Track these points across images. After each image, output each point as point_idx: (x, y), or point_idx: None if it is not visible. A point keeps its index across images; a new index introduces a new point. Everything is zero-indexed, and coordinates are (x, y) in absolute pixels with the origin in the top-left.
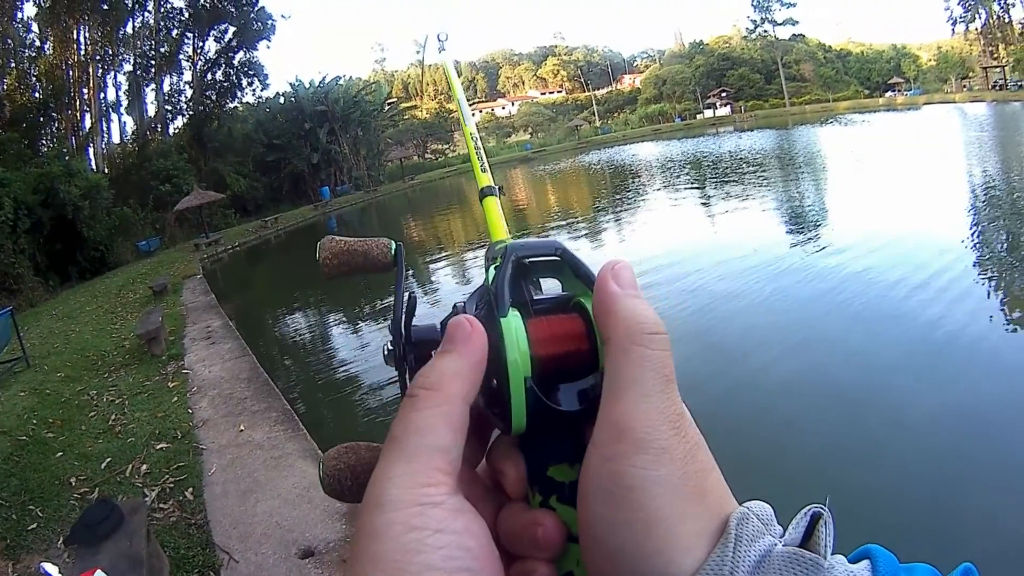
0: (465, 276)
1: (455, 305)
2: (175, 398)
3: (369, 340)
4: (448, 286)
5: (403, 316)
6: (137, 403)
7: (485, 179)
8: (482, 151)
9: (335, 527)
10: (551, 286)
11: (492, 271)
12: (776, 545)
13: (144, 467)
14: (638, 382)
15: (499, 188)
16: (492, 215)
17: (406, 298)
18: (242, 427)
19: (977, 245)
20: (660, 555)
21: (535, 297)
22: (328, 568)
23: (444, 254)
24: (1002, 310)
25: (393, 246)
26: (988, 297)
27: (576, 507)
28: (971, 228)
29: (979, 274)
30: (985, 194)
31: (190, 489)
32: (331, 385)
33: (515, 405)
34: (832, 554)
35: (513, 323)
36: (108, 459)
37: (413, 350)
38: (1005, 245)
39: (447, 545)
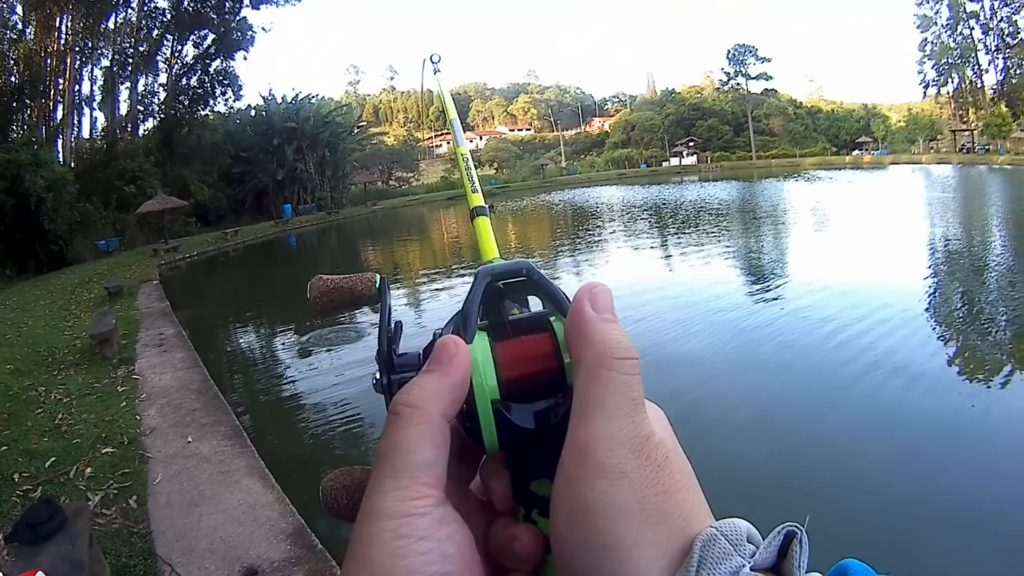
0: (419, 304)
1: (435, 332)
2: (123, 403)
3: (318, 360)
4: (404, 315)
5: (387, 345)
6: (85, 404)
7: (476, 199)
8: (473, 171)
9: (280, 547)
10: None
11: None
12: (744, 567)
13: (88, 470)
14: (603, 405)
15: (490, 207)
16: (483, 234)
17: (393, 327)
18: (190, 439)
19: (930, 300)
20: None
21: (512, 317)
22: None
23: (400, 281)
24: (946, 359)
25: (377, 279)
26: (931, 345)
27: None
28: (926, 284)
29: (928, 327)
30: (939, 252)
31: (134, 497)
32: (279, 403)
33: (484, 425)
34: (808, 572)
35: (479, 348)
36: (53, 458)
37: (396, 377)
38: (959, 302)
39: (430, 551)
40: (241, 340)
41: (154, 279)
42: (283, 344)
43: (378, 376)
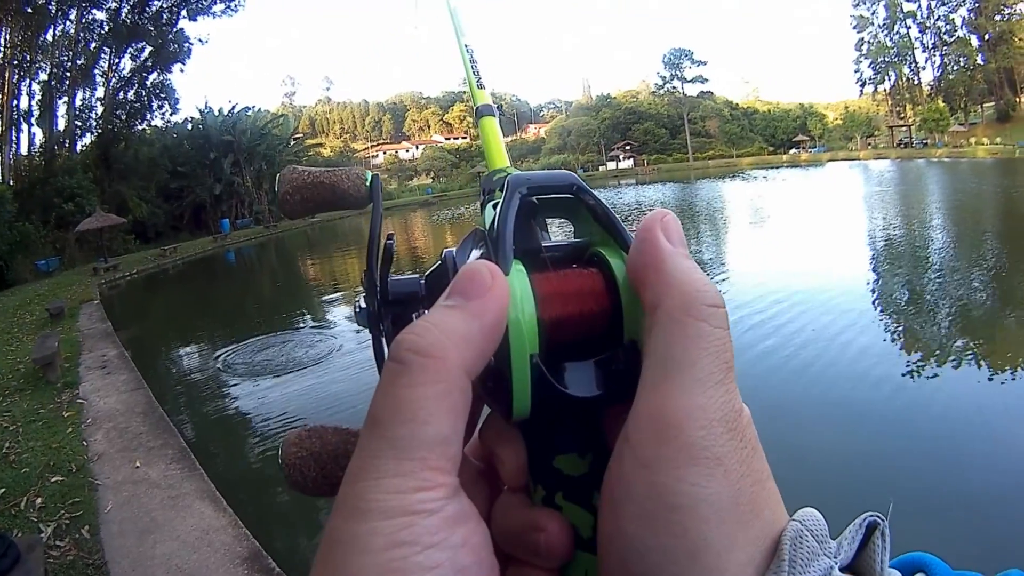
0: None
1: (443, 254)
2: (70, 429)
3: (260, 375)
4: (345, 327)
5: (379, 263)
6: (32, 431)
7: (482, 96)
8: (478, 66)
9: (237, 572)
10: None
11: (490, 209)
12: (833, 569)
13: (39, 500)
14: (693, 367)
15: (499, 107)
16: (490, 138)
17: (385, 241)
18: (138, 463)
19: (875, 290)
20: None
21: (547, 244)
22: None
23: (341, 290)
24: (895, 347)
25: (368, 177)
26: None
27: (585, 506)
28: (870, 276)
29: (873, 315)
30: (878, 241)
31: (86, 527)
32: (224, 421)
33: (517, 387)
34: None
35: (517, 282)
36: (3, 489)
37: (390, 310)
38: (902, 292)
39: (439, 565)
40: (183, 359)
41: (95, 299)
42: (225, 361)
43: (363, 304)
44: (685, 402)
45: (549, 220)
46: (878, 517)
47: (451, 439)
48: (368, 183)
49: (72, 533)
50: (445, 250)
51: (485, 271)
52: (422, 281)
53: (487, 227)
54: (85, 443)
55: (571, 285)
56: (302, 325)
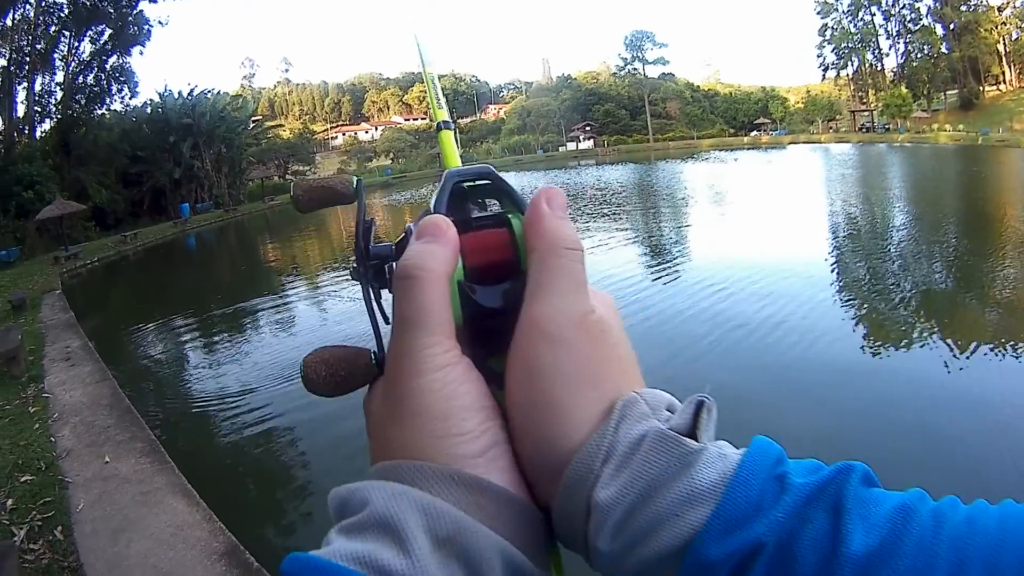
0: (320, 296)
1: (406, 227)
2: (36, 425)
3: (224, 362)
4: (305, 307)
5: (363, 238)
6: None
7: (441, 114)
8: (439, 88)
9: (215, 569)
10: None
11: (434, 195)
12: (657, 427)
13: (10, 502)
14: (552, 286)
15: (454, 123)
16: (447, 147)
17: (367, 222)
18: (107, 458)
19: (835, 270)
20: (557, 432)
21: (474, 215)
22: None
23: (301, 273)
24: (857, 331)
25: (354, 181)
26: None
27: None
28: (830, 256)
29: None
30: (839, 222)
31: (59, 527)
32: (191, 410)
33: (452, 300)
34: (717, 440)
35: None
36: None
37: (371, 264)
38: (865, 273)
39: (471, 392)
40: (147, 348)
41: (57, 288)
42: (188, 349)
43: (355, 264)
44: (544, 308)
45: (491, 201)
46: (706, 397)
47: (450, 320)
48: (354, 187)
49: (45, 535)
50: (407, 224)
51: (441, 220)
52: (393, 247)
53: (432, 206)
54: (53, 439)
55: (485, 240)
56: (264, 310)
